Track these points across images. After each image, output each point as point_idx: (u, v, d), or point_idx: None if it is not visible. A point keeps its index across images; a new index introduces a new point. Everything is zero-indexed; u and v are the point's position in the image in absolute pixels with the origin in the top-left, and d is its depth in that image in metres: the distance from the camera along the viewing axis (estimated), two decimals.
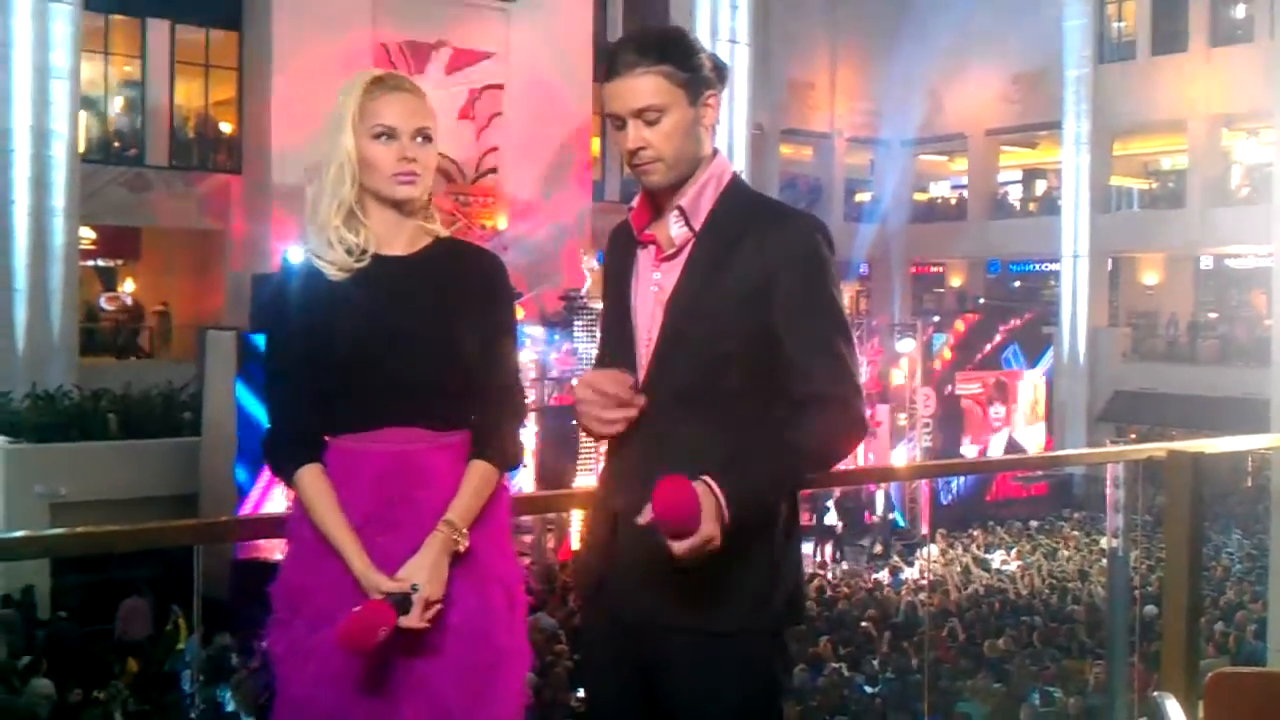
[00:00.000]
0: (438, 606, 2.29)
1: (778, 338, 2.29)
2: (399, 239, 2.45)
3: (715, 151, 2.41)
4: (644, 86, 2.30)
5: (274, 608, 2.40)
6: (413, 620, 2.26)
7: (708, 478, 2.17)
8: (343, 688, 2.32)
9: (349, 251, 2.39)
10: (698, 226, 2.36)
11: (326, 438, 2.40)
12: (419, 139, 2.41)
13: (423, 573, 2.28)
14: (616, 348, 2.43)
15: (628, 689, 2.44)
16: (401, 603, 2.25)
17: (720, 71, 2.39)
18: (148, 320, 24.27)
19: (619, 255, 2.49)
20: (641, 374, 2.36)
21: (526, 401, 2.52)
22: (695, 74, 2.33)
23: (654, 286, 2.38)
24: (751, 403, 2.31)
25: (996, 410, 25.97)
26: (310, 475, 2.37)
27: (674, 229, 2.37)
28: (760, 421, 2.30)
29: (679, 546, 2.12)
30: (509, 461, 2.45)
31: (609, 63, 2.34)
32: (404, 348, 2.36)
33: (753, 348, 2.30)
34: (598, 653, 2.51)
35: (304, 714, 2.35)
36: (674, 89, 2.30)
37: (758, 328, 2.29)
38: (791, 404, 2.29)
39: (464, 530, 2.34)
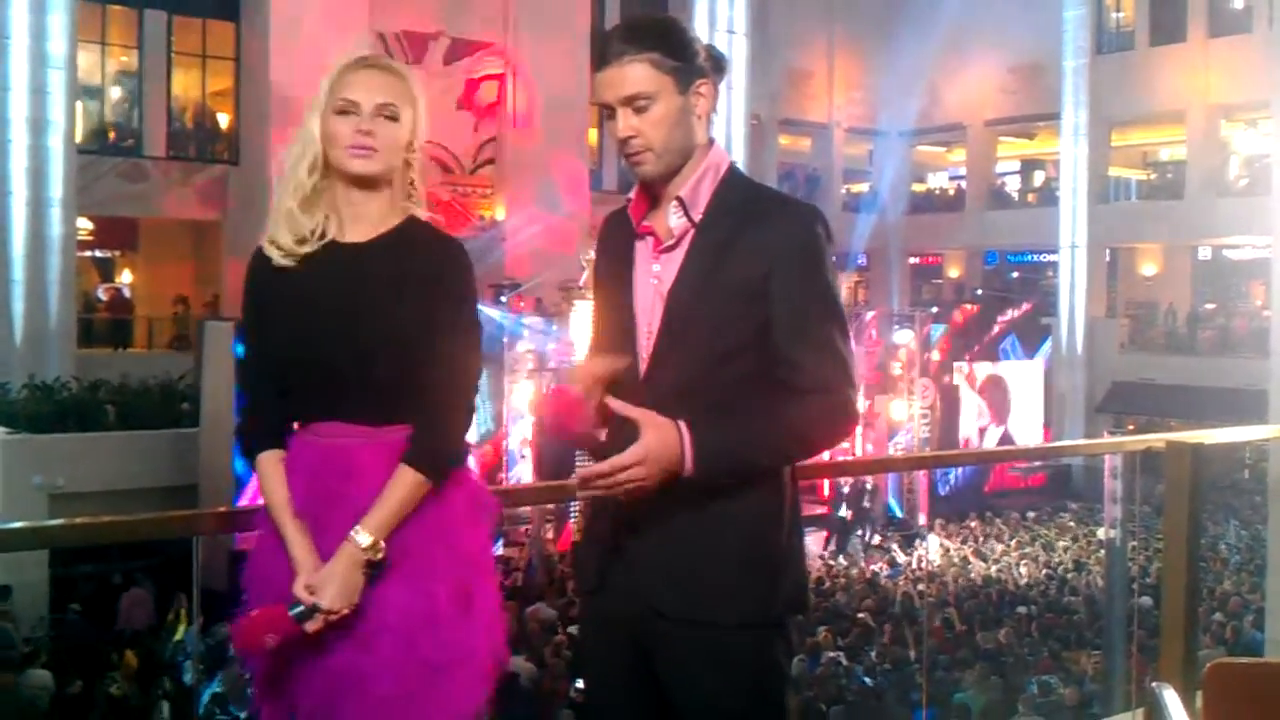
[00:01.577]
0: (342, 614, 2.26)
1: (775, 329, 2.29)
2: (362, 224, 2.39)
3: (712, 141, 2.40)
4: (631, 74, 2.29)
5: (245, 596, 2.40)
6: (310, 628, 2.26)
7: (681, 422, 2.20)
8: (291, 678, 2.34)
9: (301, 240, 2.35)
10: (697, 217, 2.35)
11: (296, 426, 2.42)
12: (382, 116, 2.35)
13: (329, 586, 2.25)
14: (616, 340, 2.41)
15: (629, 683, 2.43)
16: (304, 614, 2.26)
17: (716, 62, 2.38)
18: (194, 312, 24.22)
19: (614, 246, 2.47)
20: (643, 366, 2.35)
21: (474, 401, 2.44)
22: (685, 62, 2.32)
23: (653, 279, 2.37)
24: (752, 395, 2.31)
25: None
26: (265, 461, 2.38)
27: (673, 220, 2.36)
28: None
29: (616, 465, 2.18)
30: (440, 465, 2.36)
31: (599, 52, 2.34)
32: (340, 339, 2.31)
33: (753, 340, 2.30)
34: (598, 647, 2.50)
35: (275, 699, 2.39)
36: (661, 76, 2.30)
37: (758, 320, 2.29)
38: (787, 393, 2.29)
39: (376, 541, 2.28)
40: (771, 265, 2.28)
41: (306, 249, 2.35)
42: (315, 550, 2.30)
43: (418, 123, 2.41)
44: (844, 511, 22.19)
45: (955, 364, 25.28)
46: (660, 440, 2.20)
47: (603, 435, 2.30)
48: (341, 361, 2.31)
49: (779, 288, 2.28)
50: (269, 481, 2.37)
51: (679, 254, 2.35)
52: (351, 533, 2.27)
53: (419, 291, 2.33)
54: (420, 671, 2.31)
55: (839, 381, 2.30)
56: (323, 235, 2.37)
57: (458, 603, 2.35)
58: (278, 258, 2.36)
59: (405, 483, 2.31)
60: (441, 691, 2.34)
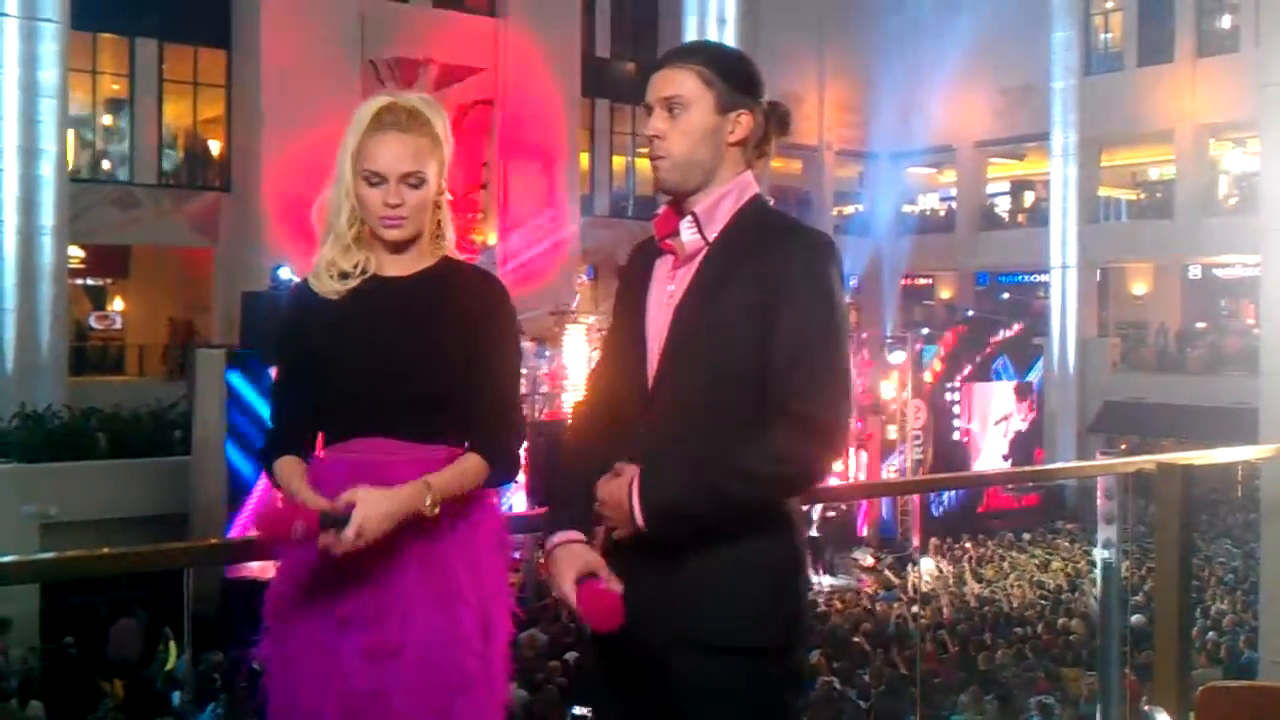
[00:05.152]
0: (367, 540, 2.24)
1: (775, 355, 2.27)
2: (400, 261, 2.50)
3: (745, 170, 2.43)
4: (674, 78, 2.37)
5: (264, 617, 2.44)
6: (333, 541, 2.23)
7: (634, 478, 2.24)
8: (314, 695, 2.36)
9: (344, 275, 2.46)
10: (711, 236, 2.37)
11: (320, 451, 2.47)
12: (408, 183, 2.42)
13: (370, 498, 2.25)
14: (627, 352, 2.43)
15: (636, 705, 2.43)
16: (330, 520, 2.24)
17: (779, 115, 2.47)
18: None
19: (635, 269, 2.50)
20: (650, 380, 2.37)
21: (523, 422, 2.54)
22: (731, 86, 2.37)
23: (667, 297, 2.39)
24: (756, 420, 2.28)
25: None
26: (285, 461, 2.44)
27: (685, 234, 2.39)
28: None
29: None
30: (504, 466, 2.45)
31: (659, 59, 2.44)
32: (377, 360, 2.39)
33: (755, 367, 2.28)
34: (603, 672, 2.50)
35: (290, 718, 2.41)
36: (703, 89, 2.35)
37: (760, 346, 2.27)
38: (771, 416, 2.26)
39: (436, 498, 2.31)
40: (777, 290, 2.27)
41: (350, 283, 2.46)
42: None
43: (444, 167, 2.49)
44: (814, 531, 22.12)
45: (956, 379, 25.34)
46: (609, 491, 2.27)
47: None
48: (382, 377, 2.39)
49: (784, 315, 2.26)
50: (289, 471, 2.41)
51: (692, 270, 2.37)
52: (424, 478, 2.31)
53: (459, 319, 2.43)
54: (439, 693, 2.35)
55: (826, 414, 2.26)
56: (364, 271, 2.48)
57: (479, 629, 2.40)
58: (323, 291, 2.46)
59: (470, 463, 2.40)
60: (458, 715, 2.37)
